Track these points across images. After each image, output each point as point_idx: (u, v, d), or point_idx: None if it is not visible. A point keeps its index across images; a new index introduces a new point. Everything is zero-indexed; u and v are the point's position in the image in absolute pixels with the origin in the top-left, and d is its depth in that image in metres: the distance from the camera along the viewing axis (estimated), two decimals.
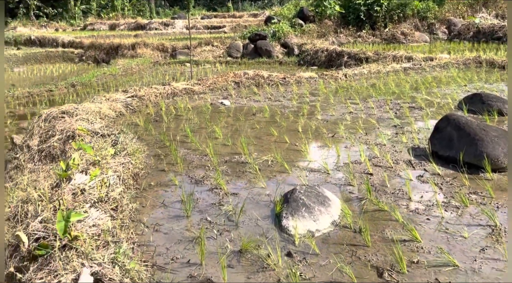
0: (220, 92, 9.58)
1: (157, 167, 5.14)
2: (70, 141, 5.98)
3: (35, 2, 36.86)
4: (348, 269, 2.98)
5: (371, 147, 5.57)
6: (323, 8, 21.21)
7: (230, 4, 41.44)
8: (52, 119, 6.74)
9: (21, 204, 3.93)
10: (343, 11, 21.32)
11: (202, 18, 35.64)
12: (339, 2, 21.61)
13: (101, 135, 6.13)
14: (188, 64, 18.81)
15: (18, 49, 22.48)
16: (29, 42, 24.03)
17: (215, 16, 37.11)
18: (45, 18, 36.84)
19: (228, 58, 19.51)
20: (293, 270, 2.99)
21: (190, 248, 3.37)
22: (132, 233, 3.47)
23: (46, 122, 6.74)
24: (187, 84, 9.52)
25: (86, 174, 4.34)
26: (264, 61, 18.71)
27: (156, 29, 29.87)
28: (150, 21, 31.98)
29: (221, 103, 8.47)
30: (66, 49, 21.52)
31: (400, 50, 16.21)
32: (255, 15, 35.63)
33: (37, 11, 37.31)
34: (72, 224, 3.19)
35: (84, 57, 20.82)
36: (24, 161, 6.22)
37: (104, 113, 7.21)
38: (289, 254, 3.25)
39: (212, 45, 20.35)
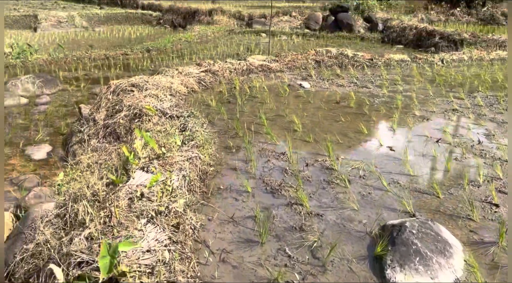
0: (299, 71, 8.58)
1: (227, 165, 4.35)
2: (136, 120, 5.36)
3: None
4: None
5: (490, 163, 4.40)
6: None
7: None
8: (120, 92, 6.17)
9: (71, 203, 3.32)
10: None
11: None
12: None
13: (169, 116, 5.45)
14: (263, 35, 17.84)
15: (100, 8, 22.62)
16: (111, 2, 24.11)
17: None
18: None
19: (306, 30, 18.24)
20: None
21: None
22: (194, 265, 2.72)
23: (115, 94, 6.18)
24: (264, 61, 8.61)
25: (147, 172, 3.65)
26: (344, 35, 17.25)
27: None
28: None
29: (300, 85, 7.49)
30: (145, 11, 21.28)
31: (502, 34, 14.11)
32: None
33: None
34: (122, 253, 2.49)
35: (161, 21, 20.46)
36: (88, 136, 5.73)
37: (175, 89, 6.53)
38: None
39: (290, 15, 19.11)
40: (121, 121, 5.50)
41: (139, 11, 21.40)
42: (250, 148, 4.68)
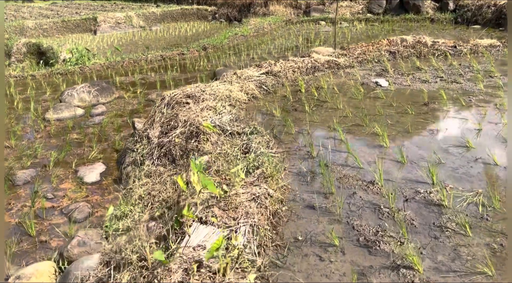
0: (372, 65, 7.42)
1: (303, 200, 3.43)
2: (193, 140, 4.58)
3: None
4: None
5: None
6: None
7: None
8: (175, 105, 5.42)
9: (113, 266, 2.57)
10: None
11: None
12: None
13: (229, 133, 4.62)
14: (323, 23, 16.59)
15: (157, 6, 22.35)
16: None
17: None
18: None
19: (368, 15, 16.75)
20: None
21: None
22: None
23: (169, 107, 5.45)
24: (330, 55, 7.54)
25: (206, 223, 2.82)
26: (411, 17, 15.61)
27: None
28: None
29: (376, 83, 6.37)
30: (200, 7, 20.69)
31: None
32: None
33: None
34: None
35: (217, 15, 19.77)
36: (142, 156, 5.05)
37: (235, 98, 5.69)
38: None
39: (351, 0, 17.65)
40: (176, 140, 4.75)
41: (194, 6, 20.85)
42: (329, 175, 3.73)
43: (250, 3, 18.59)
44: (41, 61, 11.64)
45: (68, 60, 11.74)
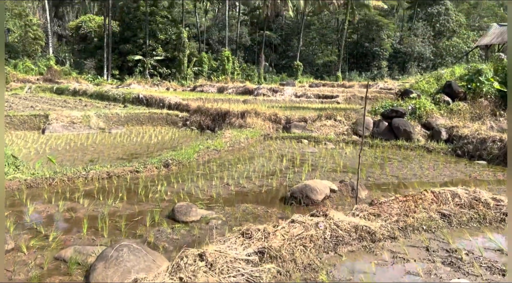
0: (425, 238, 4.46)
1: None
2: None
3: (152, 62, 35.80)
4: None
5: None
6: (477, 84, 15.63)
7: (339, 74, 37.19)
8: None
9: None
10: (504, 89, 15.54)
11: (310, 86, 31.66)
12: (498, 78, 15.90)
13: None
14: (305, 141, 14.21)
15: (124, 107, 19.80)
16: (137, 100, 21.41)
17: (324, 85, 32.90)
18: (158, 77, 35.50)
19: (354, 137, 14.61)
20: None
21: None
22: None
23: None
24: (356, 216, 4.59)
25: None
26: (403, 145, 13.49)
27: (264, 94, 26.27)
28: (258, 86, 28.61)
29: None
30: (171, 112, 18.23)
31: None
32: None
33: (152, 70, 36.20)
34: None
35: (188, 122, 17.26)
36: None
37: None
38: None
39: (335, 120, 15.64)
40: None
41: (165, 111, 18.38)
42: None
43: (226, 112, 16.28)
44: None
45: None
